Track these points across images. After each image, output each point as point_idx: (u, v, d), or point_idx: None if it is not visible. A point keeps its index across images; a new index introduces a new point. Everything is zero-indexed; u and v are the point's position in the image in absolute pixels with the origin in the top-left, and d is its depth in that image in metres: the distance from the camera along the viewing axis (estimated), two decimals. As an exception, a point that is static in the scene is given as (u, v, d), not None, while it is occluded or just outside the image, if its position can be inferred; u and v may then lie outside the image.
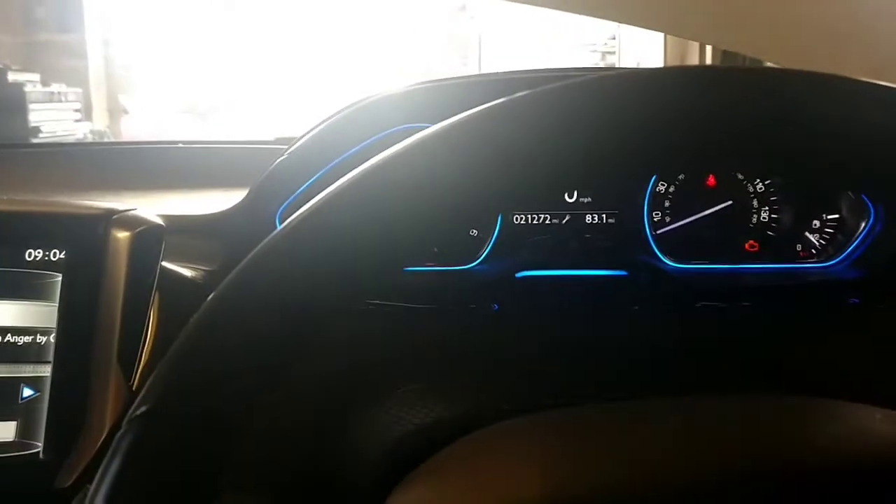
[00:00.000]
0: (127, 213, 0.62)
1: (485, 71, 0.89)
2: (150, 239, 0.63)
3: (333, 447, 0.67)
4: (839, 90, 0.31)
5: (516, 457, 0.40)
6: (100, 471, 0.32)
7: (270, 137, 1.10)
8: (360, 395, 0.69)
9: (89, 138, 3.66)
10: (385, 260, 0.33)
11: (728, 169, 0.86)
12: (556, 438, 0.43)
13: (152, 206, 0.69)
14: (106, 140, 3.73)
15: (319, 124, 0.84)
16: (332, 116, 0.84)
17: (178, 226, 0.76)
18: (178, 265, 0.73)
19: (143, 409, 0.32)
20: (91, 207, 0.62)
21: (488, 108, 0.33)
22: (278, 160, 0.81)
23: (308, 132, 0.83)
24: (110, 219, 0.61)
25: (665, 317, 0.82)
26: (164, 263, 0.67)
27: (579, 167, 0.33)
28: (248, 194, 0.82)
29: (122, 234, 0.61)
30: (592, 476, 0.37)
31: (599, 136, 0.32)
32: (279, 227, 0.34)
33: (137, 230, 0.62)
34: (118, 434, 0.32)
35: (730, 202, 0.88)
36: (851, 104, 0.31)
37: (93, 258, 0.60)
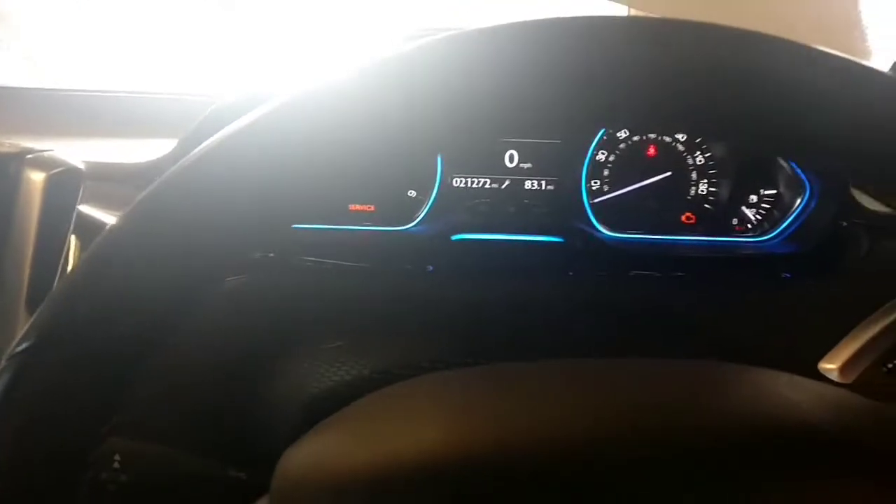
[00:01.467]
0: (42, 153, 0.60)
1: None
2: (66, 182, 0.61)
3: (246, 399, 0.66)
4: (780, 51, 0.30)
5: (418, 411, 0.39)
6: None
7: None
8: (281, 348, 0.68)
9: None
10: (282, 211, 0.32)
11: (665, 130, 0.86)
12: (466, 393, 0.42)
13: (74, 152, 0.66)
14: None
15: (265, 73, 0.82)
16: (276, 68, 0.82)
17: (103, 173, 0.74)
18: (101, 211, 0.71)
19: (23, 345, 0.31)
20: (4, 145, 0.59)
21: (422, 44, 0.32)
22: (211, 108, 0.78)
23: (245, 84, 0.81)
24: (23, 158, 0.58)
25: (597, 283, 0.82)
26: (85, 210, 0.65)
27: (511, 111, 0.32)
28: (177, 144, 0.80)
29: (37, 175, 0.59)
30: (493, 432, 0.37)
31: (537, 79, 0.31)
32: (175, 165, 0.32)
33: (52, 172, 0.60)
34: None
35: (668, 173, 0.88)
36: (788, 64, 0.30)
37: (3, 199, 0.57)
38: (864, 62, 0.31)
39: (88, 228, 0.66)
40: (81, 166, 0.63)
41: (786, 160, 0.84)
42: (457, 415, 0.38)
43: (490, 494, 0.33)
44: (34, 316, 0.31)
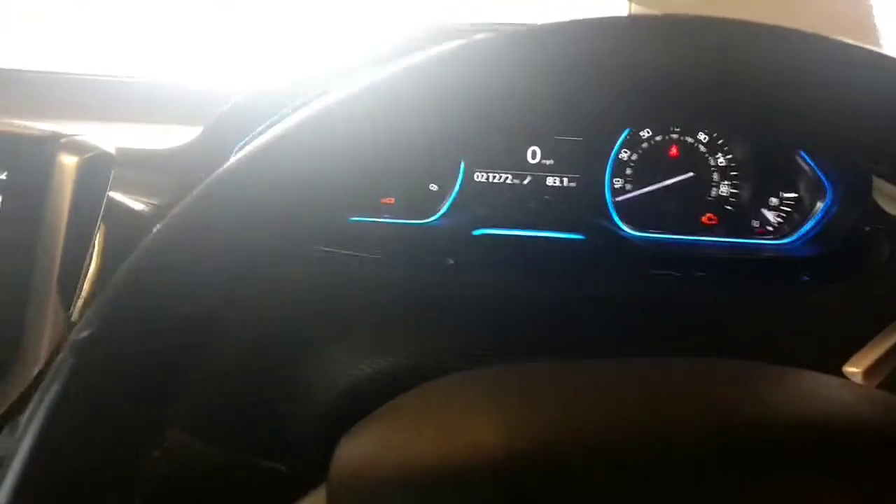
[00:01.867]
0: (74, 137, 0.60)
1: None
2: (98, 166, 0.61)
3: (284, 390, 0.66)
4: (804, 44, 0.30)
5: (472, 406, 0.39)
6: (36, 395, 0.30)
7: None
8: (312, 340, 0.68)
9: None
10: (333, 206, 0.32)
11: (689, 128, 0.86)
12: (515, 391, 0.42)
13: (101, 136, 0.66)
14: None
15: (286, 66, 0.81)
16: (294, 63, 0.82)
17: (129, 159, 0.74)
18: (127, 197, 0.71)
19: (85, 332, 0.31)
20: (37, 129, 0.59)
21: (454, 48, 0.32)
22: (237, 96, 0.78)
23: (267, 76, 0.81)
24: (57, 142, 0.58)
25: (619, 281, 0.82)
26: (112, 194, 0.65)
27: (543, 117, 0.32)
28: (203, 130, 0.80)
29: (69, 159, 0.59)
30: (545, 431, 0.37)
31: (565, 84, 0.31)
32: (231, 160, 0.32)
33: (85, 156, 0.59)
34: (58, 358, 0.31)
35: (691, 174, 0.88)
36: (816, 59, 0.30)
37: (36, 182, 0.57)
38: (890, 54, 0.31)
39: (115, 214, 0.65)
40: (112, 151, 0.63)
41: (811, 156, 0.84)
42: (515, 410, 0.38)
43: (554, 492, 0.33)
44: (96, 302, 0.31)
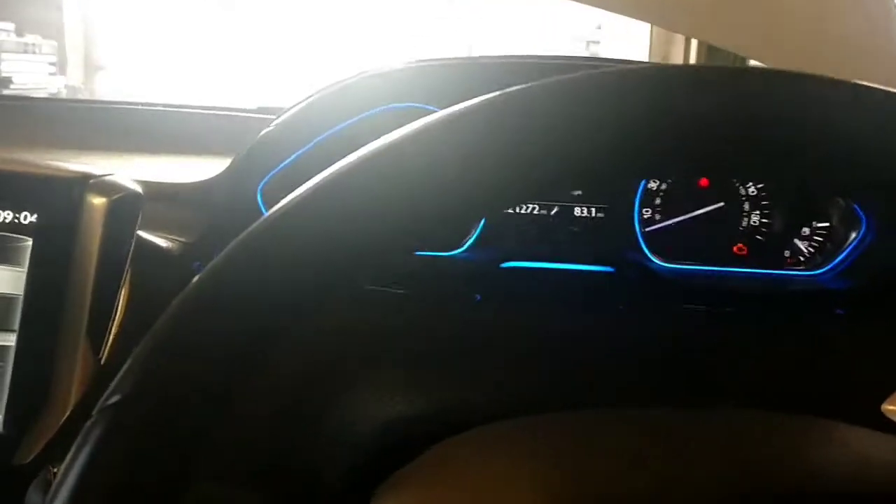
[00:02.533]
0: (104, 178, 0.59)
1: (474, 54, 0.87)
2: (126, 207, 0.60)
3: (311, 438, 0.65)
4: (835, 92, 0.30)
5: (505, 462, 0.38)
6: (66, 461, 0.29)
7: (253, 106, 1.06)
8: (336, 384, 0.66)
9: (63, 94, 3.56)
10: (373, 255, 0.31)
11: (720, 172, 0.85)
12: (547, 445, 0.41)
13: (128, 170, 0.66)
14: (80, 97, 3.63)
15: (309, 97, 0.81)
16: (323, 90, 0.81)
17: (155, 193, 0.73)
18: (154, 235, 0.70)
19: (115, 398, 0.30)
20: (66, 170, 0.59)
21: (500, 95, 0.31)
22: (264, 131, 0.78)
23: (297, 104, 0.80)
24: (86, 183, 0.58)
25: (650, 317, 0.80)
26: (140, 232, 0.64)
27: (583, 164, 0.31)
28: (230, 165, 0.79)
29: (98, 201, 0.58)
30: (584, 486, 0.36)
31: (613, 133, 0.30)
32: (265, 213, 0.31)
33: (114, 197, 0.59)
34: (88, 423, 0.30)
35: (721, 204, 0.86)
36: (846, 106, 0.29)
37: (66, 224, 0.57)
38: None
39: (143, 254, 0.65)
40: (140, 190, 0.62)
41: (840, 197, 0.83)
42: (550, 469, 0.37)
43: None
44: (126, 366, 0.31)
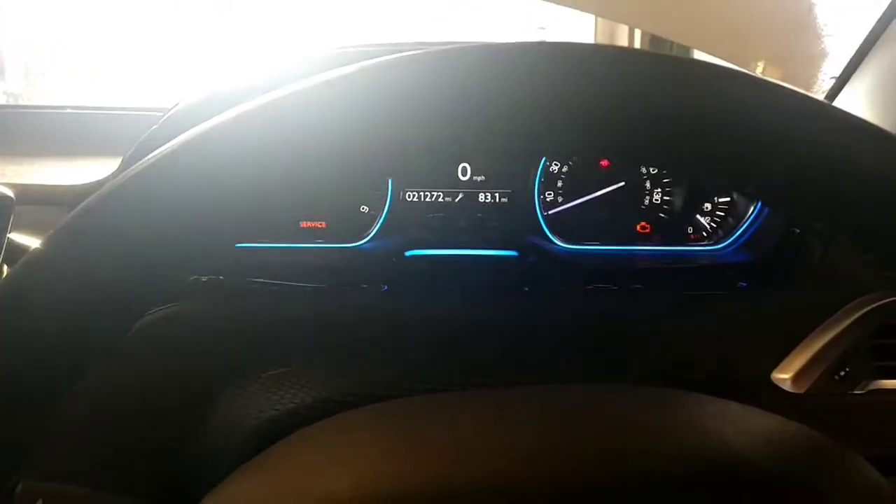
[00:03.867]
0: (-33, 182, 0.58)
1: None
2: (-6, 212, 0.59)
3: (193, 432, 0.64)
4: (738, 86, 0.29)
5: (340, 451, 0.38)
6: None
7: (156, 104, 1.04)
8: (219, 378, 0.65)
9: (2, 100, 3.46)
10: (225, 230, 0.30)
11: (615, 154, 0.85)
12: (395, 429, 0.41)
13: (8, 174, 0.64)
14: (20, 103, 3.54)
15: (199, 91, 0.79)
16: (218, 81, 0.80)
17: (37, 197, 0.71)
18: (35, 239, 0.69)
19: None
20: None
21: (369, 64, 0.30)
22: (150, 129, 0.76)
23: (186, 99, 0.79)
24: (-53, 188, 0.56)
25: (555, 298, 0.81)
26: (17, 238, 0.63)
27: (459, 137, 0.30)
28: (119, 165, 0.78)
29: (-38, 205, 0.57)
30: (435, 472, 0.35)
31: (486, 105, 0.29)
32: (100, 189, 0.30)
33: (-21, 201, 0.58)
34: None
35: (622, 183, 0.87)
36: (746, 101, 0.29)
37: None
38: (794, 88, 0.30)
39: (21, 256, 0.63)
40: (10, 194, 0.61)
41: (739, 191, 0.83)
42: (374, 461, 0.36)
43: None
44: None
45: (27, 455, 0.30)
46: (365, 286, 0.81)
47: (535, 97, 0.29)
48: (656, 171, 0.87)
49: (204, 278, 0.73)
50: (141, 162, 0.30)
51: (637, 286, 0.82)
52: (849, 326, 0.72)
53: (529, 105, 0.29)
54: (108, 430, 0.58)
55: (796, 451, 0.39)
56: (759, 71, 1.07)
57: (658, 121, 0.29)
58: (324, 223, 0.86)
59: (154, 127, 0.76)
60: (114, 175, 0.77)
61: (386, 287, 0.81)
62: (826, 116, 0.29)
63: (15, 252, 0.62)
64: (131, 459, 0.61)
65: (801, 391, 0.71)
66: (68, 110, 1.05)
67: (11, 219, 0.61)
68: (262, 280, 0.77)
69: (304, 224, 0.86)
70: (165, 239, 0.29)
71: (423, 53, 0.30)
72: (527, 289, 0.82)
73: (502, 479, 0.35)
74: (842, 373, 0.71)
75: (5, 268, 0.61)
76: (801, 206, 0.30)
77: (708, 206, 0.88)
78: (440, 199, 0.86)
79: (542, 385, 0.45)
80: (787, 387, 0.72)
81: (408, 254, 0.84)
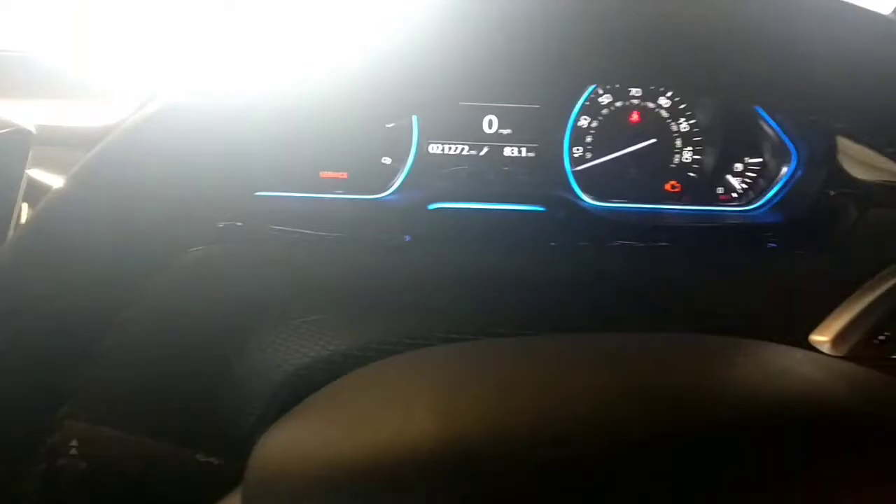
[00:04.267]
0: (-13, 113, 0.55)
1: None
2: (13, 145, 0.56)
3: (224, 378, 0.62)
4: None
5: (401, 394, 0.36)
6: None
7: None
8: (252, 323, 0.63)
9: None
10: (246, 178, 0.28)
11: (650, 94, 0.83)
12: (454, 373, 0.39)
13: (27, 114, 0.62)
14: None
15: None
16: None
17: (57, 137, 0.69)
18: (55, 177, 0.66)
19: None
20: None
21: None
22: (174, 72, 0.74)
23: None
24: (-36, 118, 0.54)
25: (580, 254, 0.79)
26: (37, 176, 0.61)
27: (488, 68, 0.28)
28: (138, 106, 0.75)
29: (-20, 136, 0.54)
30: (486, 418, 0.34)
31: (516, 32, 0.27)
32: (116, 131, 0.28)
33: (-1, 133, 0.55)
34: None
35: (653, 140, 0.85)
36: (776, 10, 0.27)
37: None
38: (857, 4, 0.28)
39: (41, 195, 0.61)
40: (32, 128, 0.58)
41: (772, 117, 0.81)
42: (445, 399, 0.35)
43: (485, 488, 0.29)
44: None
45: (73, 391, 0.28)
46: (386, 237, 0.79)
47: (594, 13, 0.27)
48: (688, 128, 0.85)
49: (221, 224, 0.71)
50: (163, 100, 0.28)
51: (664, 244, 0.81)
52: (888, 290, 0.70)
53: (588, 22, 0.27)
54: (141, 373, 0.57)
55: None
56: None
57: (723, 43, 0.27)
58: (345, 174, 0.84)
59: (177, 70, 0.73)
60: (129, 118, 0.74)
61: (409, 237, 0.79)
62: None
63: (35, 190, 0.60)
64: (165, 402, 0.59)
65: (839, 354, 0.70)
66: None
67: (31, 153, 0.58)
68: (282, 228, 0.75)
69: (324, 174, 0.83)
70: (186, 180, 0.28)
71: None
72: (553, 244, 0.80)
73: (571, 433, 0.33)
74: (881, 337, 0.70)
75: (25, 206, 0.59)
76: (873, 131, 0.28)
77: (739, 166, 0.86)
78: (465, 152, 0.84)
79: (597, 333, 0.43)
80: (826, 349, 0.71)
81: (431, 206, 0.82)
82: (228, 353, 0.63)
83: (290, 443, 0.33)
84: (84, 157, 0.29)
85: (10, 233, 0.56)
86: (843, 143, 0.79)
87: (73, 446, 0.42)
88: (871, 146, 0.31)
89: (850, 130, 0.31)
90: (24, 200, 0.58)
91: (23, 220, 0.58)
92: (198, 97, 0.28)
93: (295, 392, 0.56)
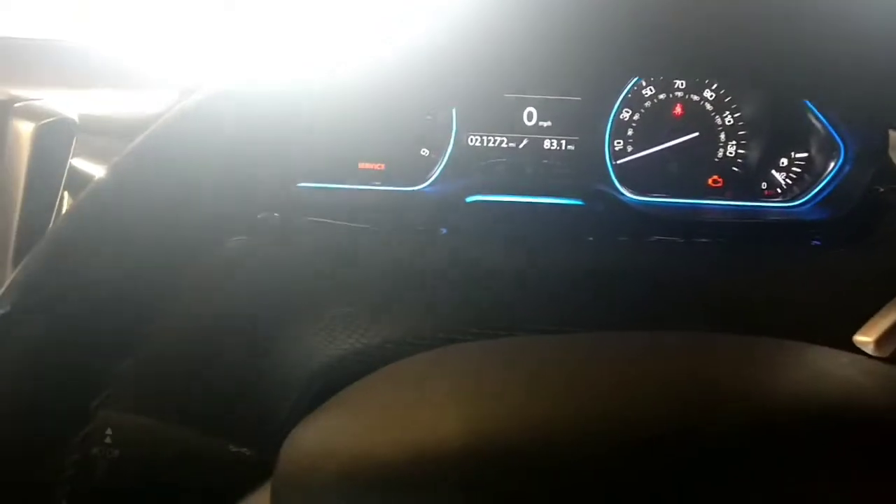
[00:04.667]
0: (32, 102, 0.56)
1: None
2: (58, 133, 0.57)
3: (257, 369, 0.62)
4: None
5: (432, 391, 0.36)
6: None
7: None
8: (285, 315, 0.64)
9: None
10: (286, 168, 0.29)
11: (694, 86, 0.81)
12: (487, 371, 0.38)
13: (69, 104, 0.62)
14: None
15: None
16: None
17: (100, 126, 0.70)
18: (98, 167, 0.67)
19: (1, 309, 0.27)
20: (-12, 93, 0.56)
21: None
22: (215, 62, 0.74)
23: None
24: (10, 106, 0.54)
25: (620, 249, 0.78)
26: (80, 164, 0.61)
27: (530, 61, 0.28)
28: (179, 96, 0.76)
29: (25, 126, 0.55)
30: (519, 416, 0.33)
31: (558, 25, 0.27)
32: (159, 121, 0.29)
33: (43, 122, 0.56)
34: None
35: (696, 133, 0.83)
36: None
37: (-12, 149, 0.54)
38: None
39: (84, 184, 0.62)
40: (75, 117, 0.59)
41: (822, 111, 0.79)
42: (477, 396, 0.34)
43: (517, 487, 0.29)
44: (13, 275, 0.28)
45: (111, 380, 0.28)
46: (423, 229, 0.78)
47: (639, 3, 0.27)
48: (732, 122, 0.83)
49: (260, 215, 0.72)
50: (206, 90, 0.28)
51: (705, 240, 0.79)
52: (936, 290, 0.68)
53: (632, 13, 0.27)
54: (176, 363, 0.57)
55: None
56: None
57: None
58: (382, 165, 0.84)
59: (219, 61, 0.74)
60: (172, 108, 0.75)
61: (445, 230, 0.79)
62: None
63: (77, 179, 0.61)
64: (198, 393, 0.60)
65: (884, 356, 0.68)
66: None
67: (74, 142, 0.59)
68: (319, 219, 0.75)
69: (362, 165, 0.83)
70: (227, 170, 0.28)
71: None
72: (591, 238, 0.79)
73: (609, 433, 0.32)
74: (927, 338, 0.68)
75: (66, 195, 0.60)
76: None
77: (784, 161, 0.84)
78: (504, 145, 0.83)
79: (636, 331, 0.42)
80: (870, 350, 0.68)
81: (469, 199, 0.81)
82: (263, 344, 0.63)
83: (321, 437, 0.33)
84: (127, 146, 0.29)
85: (52, 221, 0.57)
86: (893, 138, 0.76)
87: (107, 435, 0.42)
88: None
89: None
90: (65, 189, 0.59)
91: (64, 208, 0.59)
92: (241, 87, 0.28)
93: (328, 384, 0.56)
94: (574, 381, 0.36)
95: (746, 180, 0.84)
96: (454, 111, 0.81)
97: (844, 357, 0.37)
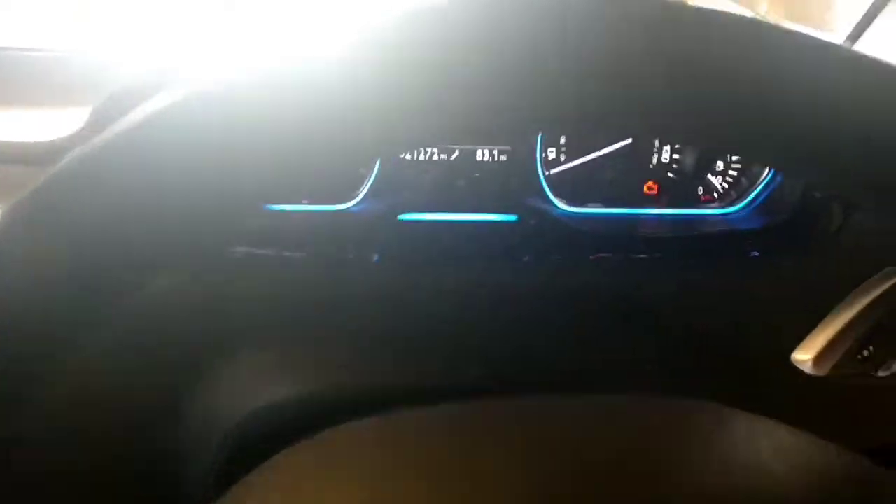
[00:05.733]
0: None
1: None
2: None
3: (172, 420, 0.59)
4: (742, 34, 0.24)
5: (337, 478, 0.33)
6: None
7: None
8: (208, 359, 0.60)
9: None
10: (233, 198, 0.25)
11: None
12: (387, 453, 0.36)
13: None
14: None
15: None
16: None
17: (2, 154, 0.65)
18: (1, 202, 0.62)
19: None
20: None
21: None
22: (127, 75, 0.69)
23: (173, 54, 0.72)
24: None
25: (556, 268, 0.75)
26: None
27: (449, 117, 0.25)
28: (88, 118, 0.71)
29: None
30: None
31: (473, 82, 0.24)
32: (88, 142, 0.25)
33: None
34: None
35: (629, 140, 0.81)
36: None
37: None
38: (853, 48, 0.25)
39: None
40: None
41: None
42: (384, 482, 0.32)
43: None
44: None
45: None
46: (353, 256, 0.75)
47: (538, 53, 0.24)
48: (667, 126, 0.81)
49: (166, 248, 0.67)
50: (109, 131, 0.25)
51: (642, 255, 0.77)
52: (873, 302, 0.67)
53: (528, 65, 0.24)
54: (80, 428, 0.54)
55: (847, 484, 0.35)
56: (762, 12, 1.00)
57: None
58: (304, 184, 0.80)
59: (127, 77, 0.69)
60: (86, 130, 0.70)
61: (377, 258, 0.75)
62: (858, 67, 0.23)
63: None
64: (107, 461, 0.56)
65: (822, 373, 0.67)
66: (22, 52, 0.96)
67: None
68: (238, 247, 0.71)
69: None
70: (139, 208, 0.24)
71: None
72: (527, 258, 0.77)
73: None
74: (865, 353, 0.67)
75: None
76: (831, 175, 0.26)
77: (720, 165, 0.82)
78: (435, 157, 0.80)
79: (555, 400, 0.40)
80: (808, 369, 0.68)
81: (401, 217, 0.78)
82: (179, 392, 0.60)
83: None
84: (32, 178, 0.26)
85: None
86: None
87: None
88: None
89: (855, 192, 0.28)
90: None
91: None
92: (157, 121, 0.25)
93: (249, 440, 0.53)
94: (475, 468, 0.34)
95: (682, 185, 0.83)
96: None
97: (756, 426, 0.36)
